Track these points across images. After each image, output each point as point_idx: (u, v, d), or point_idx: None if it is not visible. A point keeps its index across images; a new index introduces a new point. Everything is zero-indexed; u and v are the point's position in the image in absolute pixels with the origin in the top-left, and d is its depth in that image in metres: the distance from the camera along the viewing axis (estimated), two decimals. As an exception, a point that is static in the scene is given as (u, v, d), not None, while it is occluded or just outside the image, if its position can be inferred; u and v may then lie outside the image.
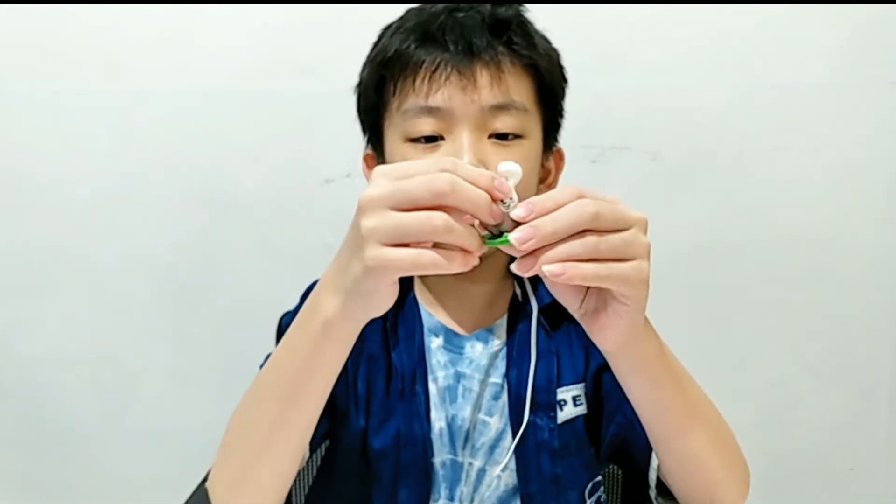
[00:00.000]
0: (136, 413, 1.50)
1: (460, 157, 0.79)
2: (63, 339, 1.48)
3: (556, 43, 0.91)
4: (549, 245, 0.56)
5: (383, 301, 0.60)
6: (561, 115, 0.93)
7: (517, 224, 0.56)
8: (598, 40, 1.35)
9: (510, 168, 0.59)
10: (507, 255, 0.90)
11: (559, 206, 0.55)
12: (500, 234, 0.57)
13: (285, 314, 0.98)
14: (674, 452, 0.77)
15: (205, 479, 1.18)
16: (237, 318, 1.45)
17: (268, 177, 1.41)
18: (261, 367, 0.89)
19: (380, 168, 0.57)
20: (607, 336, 0.63)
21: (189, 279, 1.45)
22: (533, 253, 0.56)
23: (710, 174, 1.42)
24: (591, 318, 0.64)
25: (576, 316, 0.65)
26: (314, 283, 0.98)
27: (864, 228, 1.45)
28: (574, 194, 0.56)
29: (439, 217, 0.54)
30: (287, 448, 0.71)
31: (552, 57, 0.90)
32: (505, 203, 0.56)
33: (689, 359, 0.94)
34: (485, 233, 0.58)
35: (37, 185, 1.43)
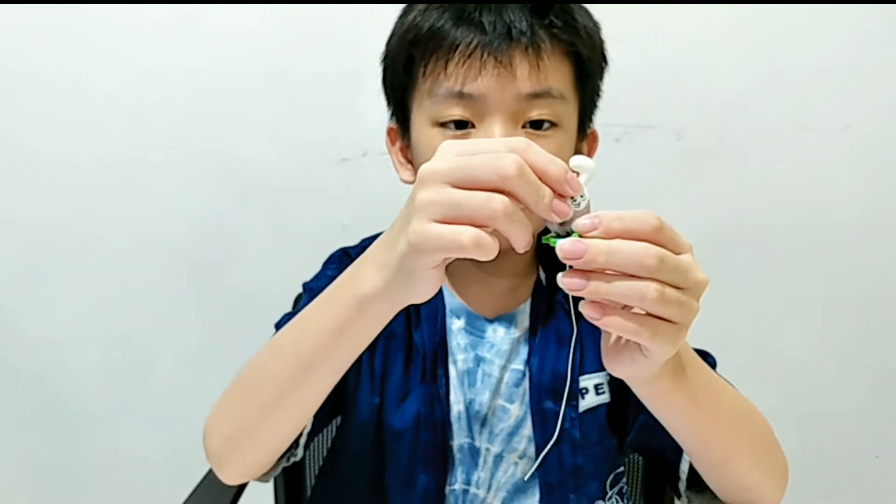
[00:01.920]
0: (149, 395, 1.50)
1: None
2: (76, 319, 1.47)
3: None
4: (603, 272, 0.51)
5: (425, 286, 0.56)
6: (598, 97, 0.89)
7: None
8: (623, 16, 1.30)
9: (582, 163, 0.53)
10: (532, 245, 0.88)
11: (626, 232, 0.51)
12: (567, 234, 0.52)
13: (308, 282, 0.95)
14: (702, 462, 0.75)
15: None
16: (252, 298, 1.43)
17: (283, 156, 1.39)
18: (276, 326, 0.87)
19: (448, 143, 0.54)
20: (615, 368, 0.59)
21: (203, 260, 1.43)
22: (584, 271, 0.51)
23: (737, 154, 1.38)
24: (608, 342, 0.59)
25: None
26: (339, 251, 0.96)
27: (893, 211, 1.41)
28: (649, 226, 0.51)
29: (500, 200, 0.49)
30: (294, 413, 0.70)
31: (594, 39, 0.84)
32: (575, 201, 0.52)
33: (711, 344, 0.91)
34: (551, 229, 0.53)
35: (50, 164, 1.41)
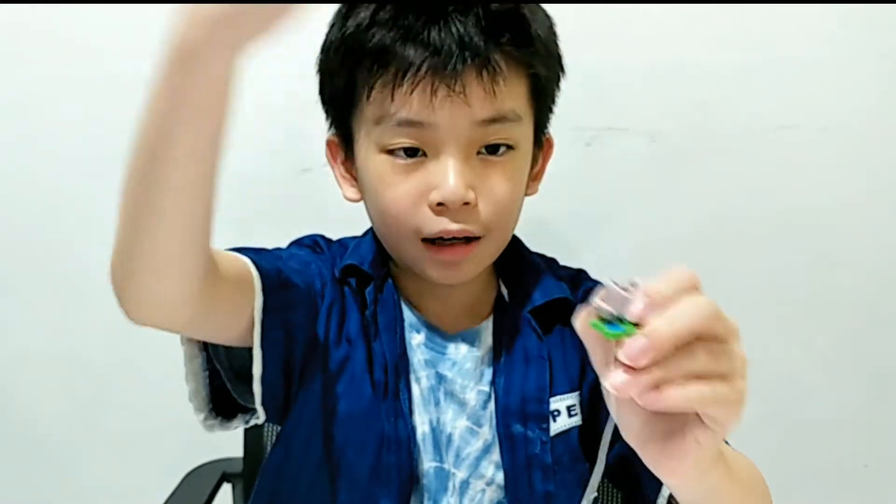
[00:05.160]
0: (109, 417, 1.43)
1: (445, 180, 0.71)
2: (29, 339, 1.41)
3: (546, 16, 0.82)
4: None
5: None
6: (554, 104, 0.85)
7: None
8: (591, 12, 1.26)
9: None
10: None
11: (675, 294, 0.46)
12: (619, 319, 0.46)
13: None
14: None
15: (179, 485, 1.14)
16: (214, 316, 1.38)
17: (242, 166, 1.33)
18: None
19: None
20: (676, 467, 0.51)
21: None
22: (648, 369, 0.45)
23: (714, 156, 1.34)
24: (658, 444, 0.51)
25: (630, 441, 0.53)
26: (305, 237, 0.91)
27: (878, 213, 1.37)
28: (689, 282, 0.48)
29: None
30: (156, 243, 0.58)
31: (551, 51, 0.80)
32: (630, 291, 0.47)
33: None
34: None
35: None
